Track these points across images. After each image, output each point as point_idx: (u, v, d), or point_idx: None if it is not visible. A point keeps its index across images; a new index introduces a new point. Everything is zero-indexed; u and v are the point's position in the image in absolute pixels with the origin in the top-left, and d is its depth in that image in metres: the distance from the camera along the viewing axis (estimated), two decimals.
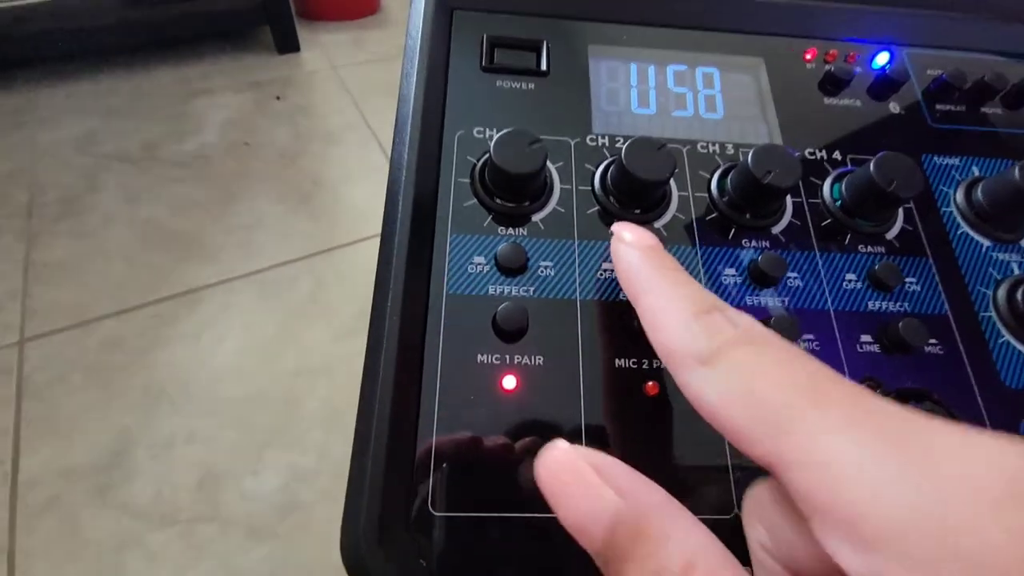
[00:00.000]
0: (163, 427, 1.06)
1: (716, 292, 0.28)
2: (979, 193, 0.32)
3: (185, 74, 1.89)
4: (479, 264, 0.28)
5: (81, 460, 1.02)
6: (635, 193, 0.29)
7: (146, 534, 0.92)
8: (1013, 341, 0.29)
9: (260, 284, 1.29)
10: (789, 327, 0.27)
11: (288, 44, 1.99)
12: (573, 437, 0.25)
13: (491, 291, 0.27)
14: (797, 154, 0.33)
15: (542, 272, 0.28)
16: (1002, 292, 0.30)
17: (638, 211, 0.30)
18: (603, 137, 0.32)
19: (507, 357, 0.26)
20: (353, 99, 1.82)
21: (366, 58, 2.02)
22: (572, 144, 0.32)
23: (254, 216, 1.42)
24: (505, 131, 0.28)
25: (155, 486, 0.98)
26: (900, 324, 0.28)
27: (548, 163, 0.31)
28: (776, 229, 0.31)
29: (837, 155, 0.33)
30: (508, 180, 0.28)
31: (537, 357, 0.26)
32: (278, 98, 1.80)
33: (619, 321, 0.27)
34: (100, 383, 1.13)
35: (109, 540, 0.92)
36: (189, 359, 1.15)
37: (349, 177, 1.56)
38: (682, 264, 0.28)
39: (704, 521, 0.23)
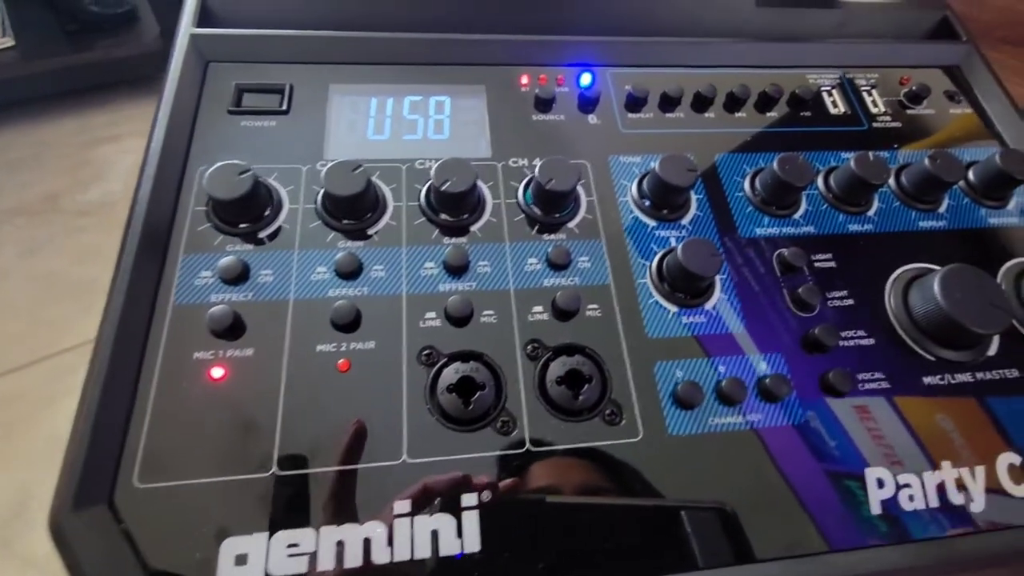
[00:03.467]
0: None
1: (417, 284, 0.34)
2: (646, 184, 0.39)
3: (90, 122, 1.87)
4: (205, 277, 0.33)
5: None
6: (341, 207, 0.35)
7: None
8: (660, 300, 0.36)
9: None
10: (462, 306, 0.33)
11: None
12: (271, 409, 0.30)
13: (213, 299, 0.32)
14: (497, 163, 0.40)
15: (262, 279, 0.33)
16: (655, 262, 0.37)
17: (350, 222, 0.36)
18: (334, 163, 0.38)
19: (220, 352, 0.31)
20: None
21: None
22: (304, 170, 0.38)
23: None
24: (217, 164, 0.33)
25: None
26: (558, 295, 0.34)
27: (278, 186, 0.36)
28: (475, 227, 0.37)
29: (537, 162, 0.40)
30: (222, 205, 0.33)
31: (247, 350, 0.31)
32: None
33: (326, 314, 0.32)
34: (1, 439, 1.11)
35: None
36: None
37: None
38: (388, 263, 0.34)
39: (377, 467, 0.28)
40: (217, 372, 0.30)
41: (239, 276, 0.33)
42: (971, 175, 0.43)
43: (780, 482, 0.31)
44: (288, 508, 0.28)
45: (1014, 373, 0.36)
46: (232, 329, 0.31)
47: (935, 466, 0.33)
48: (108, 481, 0.27)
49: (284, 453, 0.29)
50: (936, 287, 0.35)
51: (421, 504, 0.28)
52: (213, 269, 0.33)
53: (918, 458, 0.33)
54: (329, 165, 0.34)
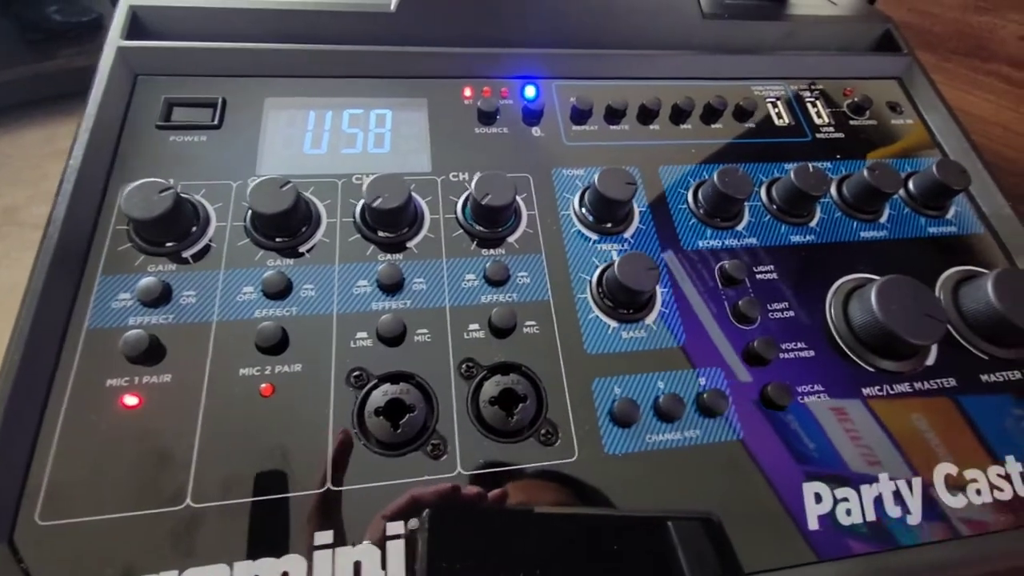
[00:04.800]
0: None
1: (349, 303, 0.33)
2: (587, 198, 0.39)
3: (52, 133, 1.83)
4: (123, 300, 0.32)
5: None
6: (270, 225, 0.34)
7: None
8: (600, 315, 0.35)
9: None
10: (394, 325, 0.32)
11: None
12: (188, 438, 0.28)
13: (131, 322, 0.31)
14: (438, 177, 0.39)
15: (184, 301, 0.32)
16: (595, 276, 0.36)
17: (283, 239, 0.35)
18: (261, 179, 0.36)
19: (135, 379, 0.30)
20: None
21: None
22: (234, 186, 0.36)
23: None
24: (136, 183, 0.32)
25: None
26: (494, 311, 0.33)
27: (206, 203, 0.35)
28: (412, 243, 0.36)
29: (478, 176, 0.39)
30: (141, 225, 0.32)
31: (164, 376, 0.30)
32: None
33: (250, 336, 0.31)
34: None
35: None
36: None
37: None
38: (319, 281, 0.33)
39: (298, 496, 0.27)
40: (131, 400, 0.29)
41: (159, 298, 0.32)
42: (911, 185, 0.43)
43: (721, 498, 0.31)
44: (201, 543, 0.26)
45: (952, 382, 0.36)
46: (148, 354, 0.30)
47: (875, 478, 0.32)
48: (8, 518, 0.26)
49: (199, 484, 0.28)
50: (873, 298, 0.35)
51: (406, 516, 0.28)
52: (132, 291, 0.32)
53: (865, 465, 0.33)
54: (256, 181, 0.33)
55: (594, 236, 0.38)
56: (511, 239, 0.37)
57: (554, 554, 0.28)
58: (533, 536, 0.29)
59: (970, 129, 0.91)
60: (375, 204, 0.34)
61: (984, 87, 0.86)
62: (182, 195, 0.34)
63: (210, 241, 0.34)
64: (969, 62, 0.86)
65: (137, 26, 0.42)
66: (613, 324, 0.35)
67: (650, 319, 0.36)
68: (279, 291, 0.33)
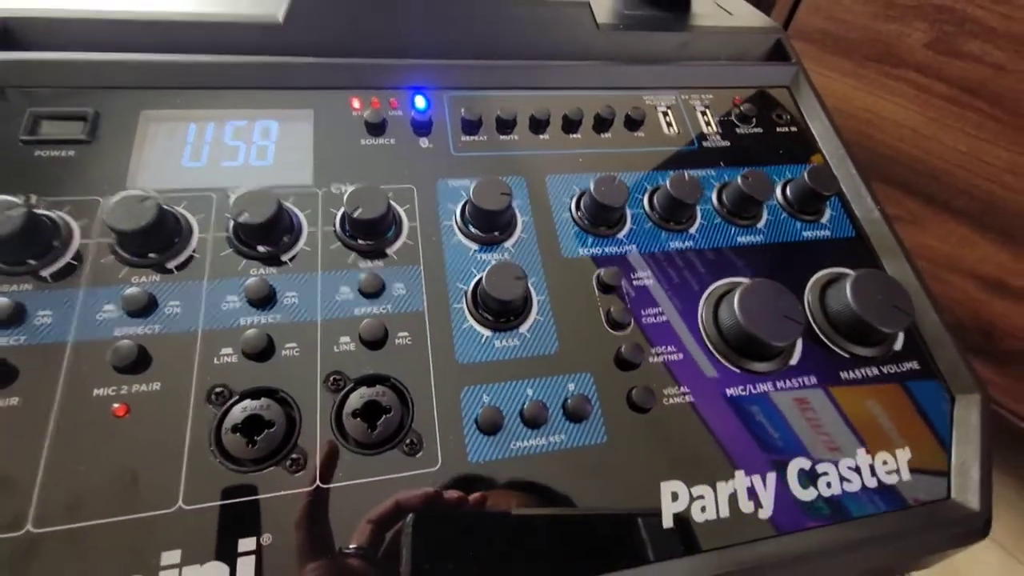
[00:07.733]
0: None
1: (215, 319, 0.33)
2: (467, 208, 0.39)
3: None
4: None
5: None
6: (132, 241, 0.33)
7: None
8: (474, 325, 0.36)
9: None
10: (258, 340, 0.32)
11: None
12: (32, 461, 0.28)
13: None
14: (319, 189, 0.39)
15: (38, 321, 0.32)
16: (471, 286, 0.37)
17: (154, 255, 0.34)
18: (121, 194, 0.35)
19: None
20: None
21: None
22: (102, 202, 0.36)
23: None
24: None
25: None
26: (363, 324, 0.34)
27: (70, 220, 0.35)
28: (286, 256, 0.36)
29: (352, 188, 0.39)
30: None
31: (11, 399, 0.29)
32: None
33: (103, 354, 0.31)
34: None
35: None
36: None
37: None
38: (186, 297, 0.33)
39: (148, 517, 0.27)
40: None
41: (9, 319, 0.31)
42: (787, 191, 0.46)
43: (587, 501, 0.32)
44: (41, 571, 0.26)
45: (812, 380, 0.38)
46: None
47: (731, 474, 0.34)
48: None
49: (42, 507, 0.27)
50: (735, 302, 0.36)
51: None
52: None
53: (723, 466, 0.34)
54: (116, 197, 0.33)
55: (474, 246, 0.39)
56: (390, 251, 0.38)
57: (533, 554, 0.30)
58: (516, 537, 0.30)
59: (882, 131, 0.95)
60: (240, 219, 0.34)
61: (895, 92, 0.90)
62: (39, 211, 0.33)
63: (72, 259, 0.34)
64: (881, 68, 0.90)
65: (8, 37, 0.41)
66: (487, 333, 0.36)
67: (525, 327, 0.36)
68: (141, 308, 0.32)
